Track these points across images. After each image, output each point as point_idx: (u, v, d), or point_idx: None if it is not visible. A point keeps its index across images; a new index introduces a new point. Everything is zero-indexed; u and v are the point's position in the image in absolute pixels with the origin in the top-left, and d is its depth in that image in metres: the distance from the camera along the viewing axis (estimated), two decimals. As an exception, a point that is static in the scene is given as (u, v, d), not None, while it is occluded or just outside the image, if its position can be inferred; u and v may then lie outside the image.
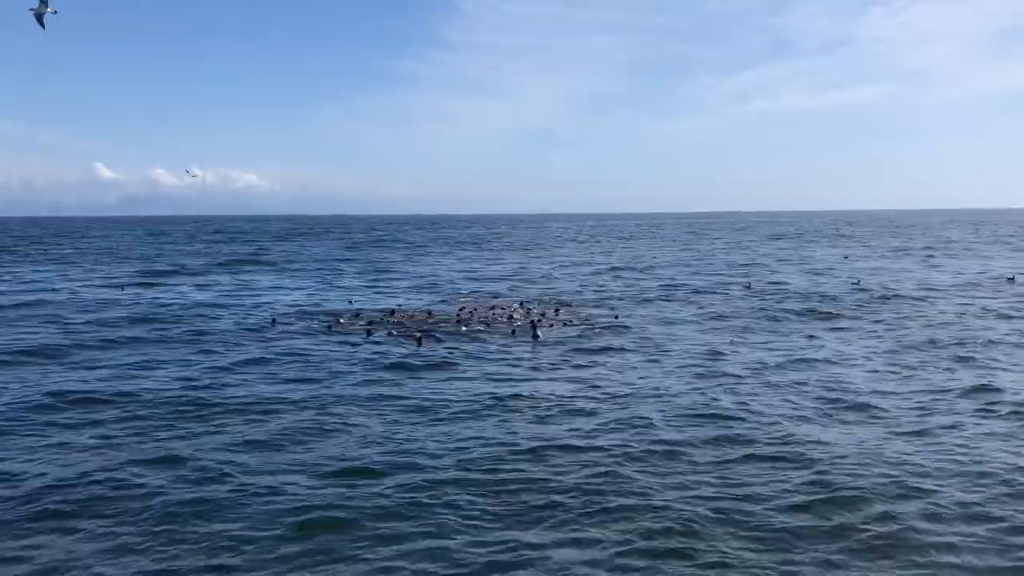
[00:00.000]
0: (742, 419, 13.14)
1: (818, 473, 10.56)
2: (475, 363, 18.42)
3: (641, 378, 16.61)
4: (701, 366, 17.82)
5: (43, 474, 10.66)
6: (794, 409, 13.93)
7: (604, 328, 23.50)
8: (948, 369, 17.29)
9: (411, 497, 9.76)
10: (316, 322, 24.78)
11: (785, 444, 11.84)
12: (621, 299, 31.19)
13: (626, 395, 15.04)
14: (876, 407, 13.95)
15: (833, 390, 15.28)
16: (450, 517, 9.20)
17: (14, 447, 11.95)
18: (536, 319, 24.13)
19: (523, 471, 10.71)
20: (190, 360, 18.73)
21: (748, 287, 34.92)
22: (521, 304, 28.89)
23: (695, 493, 9.91)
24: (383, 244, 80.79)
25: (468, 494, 9.88)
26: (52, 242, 78.52)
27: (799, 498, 9.71)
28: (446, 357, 19.04)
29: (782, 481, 10.31)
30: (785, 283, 37.04)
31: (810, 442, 11.90)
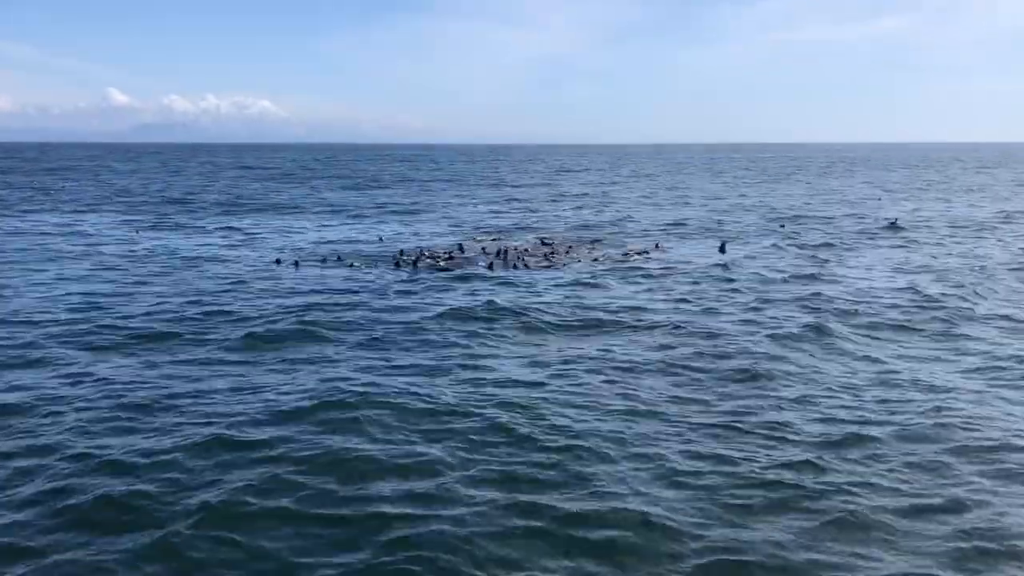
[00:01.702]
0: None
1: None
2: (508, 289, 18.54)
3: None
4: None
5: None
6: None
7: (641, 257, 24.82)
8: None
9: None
10: (342, 264, 24.53)
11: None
12: (650, 234, 30.87)
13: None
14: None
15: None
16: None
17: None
18: (561, 253, 24.18)
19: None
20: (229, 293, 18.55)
21: (782, 227, 34.24)
22: (542, 241, 28.54)
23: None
24: (403, 180, 79.24)
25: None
26: (66, 177, 77.66)
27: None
28: (481, 288, 19.68)
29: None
30: (820, 217, 36.49)
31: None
